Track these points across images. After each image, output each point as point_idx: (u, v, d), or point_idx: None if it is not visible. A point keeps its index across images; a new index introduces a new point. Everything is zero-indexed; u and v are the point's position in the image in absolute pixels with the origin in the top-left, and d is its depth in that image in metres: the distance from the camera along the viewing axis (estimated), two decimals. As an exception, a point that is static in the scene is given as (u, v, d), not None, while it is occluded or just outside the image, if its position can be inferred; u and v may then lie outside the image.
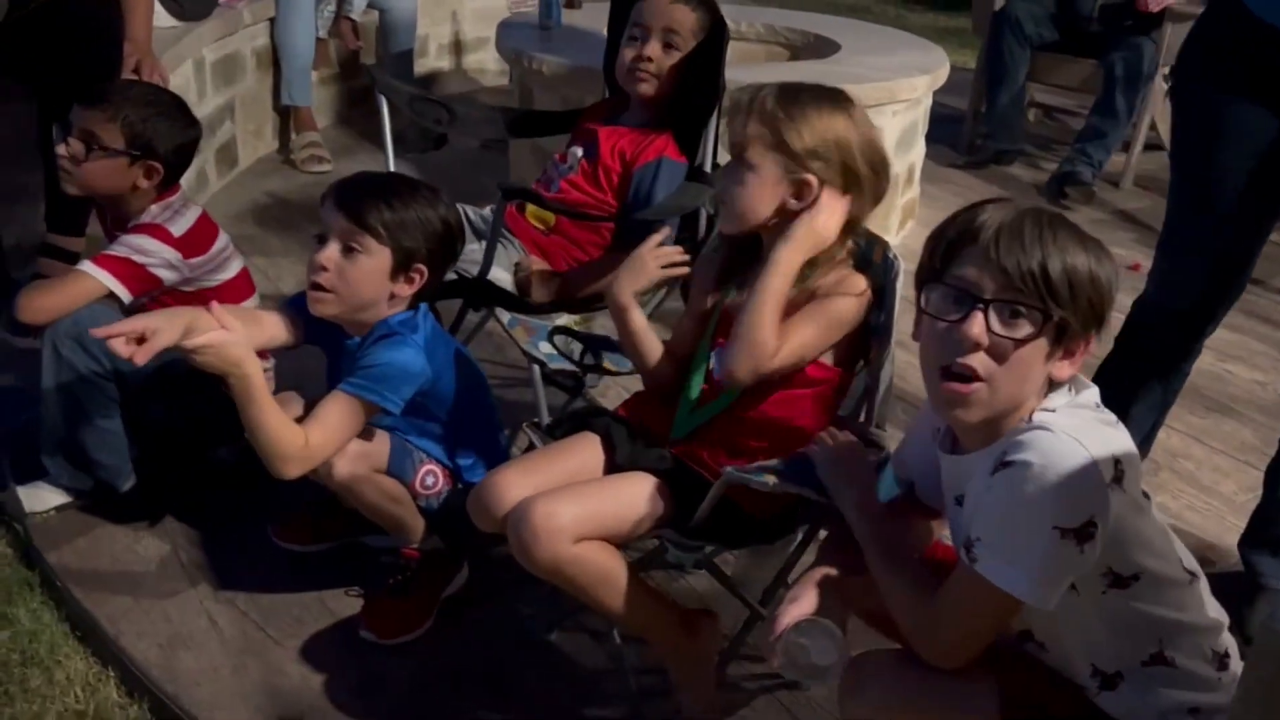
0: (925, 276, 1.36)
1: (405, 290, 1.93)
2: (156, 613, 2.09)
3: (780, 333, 1.72)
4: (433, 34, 5.54)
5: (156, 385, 2.20)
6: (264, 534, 2.26)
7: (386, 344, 1.92)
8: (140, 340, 1.72)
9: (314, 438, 1.85)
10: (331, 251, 1.89)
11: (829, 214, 1.75)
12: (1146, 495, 1.35)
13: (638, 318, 1.92)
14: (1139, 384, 2.19)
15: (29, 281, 2.70)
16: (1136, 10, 4.34)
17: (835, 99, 1.77)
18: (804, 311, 1.76)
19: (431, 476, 2.05)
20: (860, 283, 1.78)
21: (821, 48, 4.02)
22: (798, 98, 1.75)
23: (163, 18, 3.59)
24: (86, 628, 2.08)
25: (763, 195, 1.76)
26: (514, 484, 1.76)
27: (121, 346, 1.71)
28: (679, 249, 1.95)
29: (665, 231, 1.99)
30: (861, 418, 1.85)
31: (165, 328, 1.72)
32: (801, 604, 1.44)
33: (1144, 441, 2.26)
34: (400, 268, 1.91)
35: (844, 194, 1.76)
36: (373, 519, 2.07)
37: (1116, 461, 1.25)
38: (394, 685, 1.96)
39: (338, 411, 1.88)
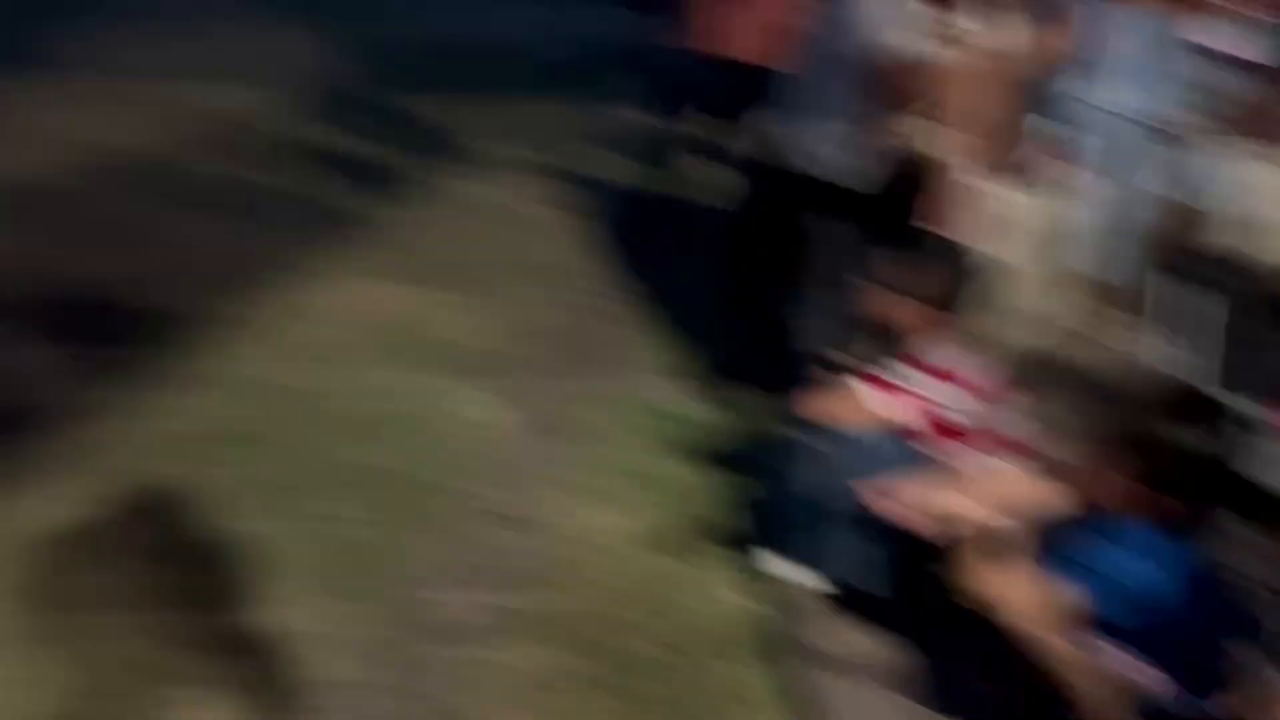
0: None
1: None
2: (868, 707, 2.26)
3: None
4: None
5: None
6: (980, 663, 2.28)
7: (1108, 552, 1.94)
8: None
9: (1011, 595, 1.97)
10: None
11: None
12: None
13: None
14: None
15: (807, 382, 3.11)
16: None
17: None
18: None
19: (1137, 671, 1.91)
20: None
21: None
22: None
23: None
24: (799, 699, 2.32)
25: None
26: None
27: (879, 501, 2.11)
28: None
29: None
30: None
31: (924, 499, 2.12)
32: None
33: None
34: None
35: None
36: (1059, 690, 1.98)
37: None
38: None
39: (1039, 586, 1.95)
